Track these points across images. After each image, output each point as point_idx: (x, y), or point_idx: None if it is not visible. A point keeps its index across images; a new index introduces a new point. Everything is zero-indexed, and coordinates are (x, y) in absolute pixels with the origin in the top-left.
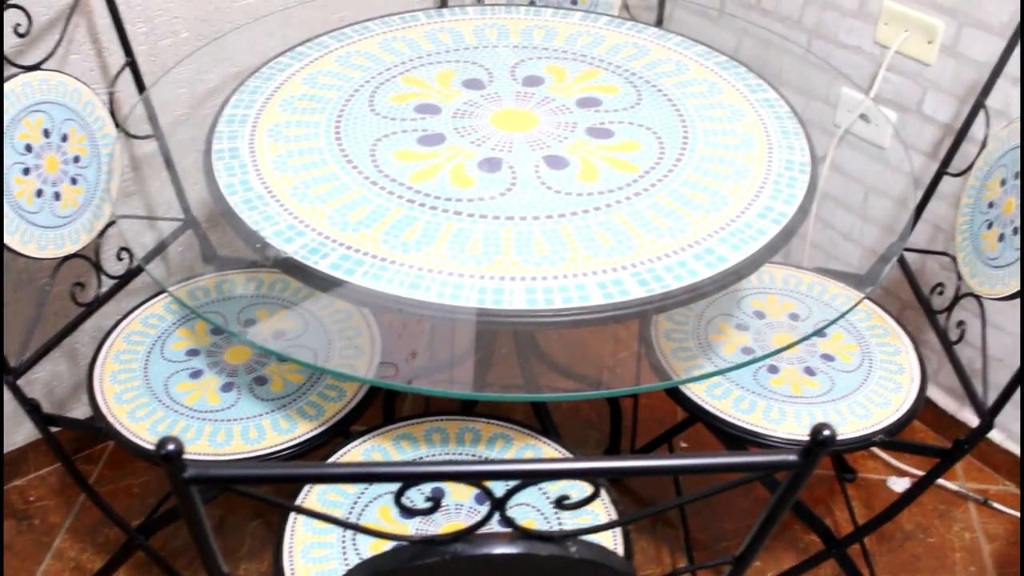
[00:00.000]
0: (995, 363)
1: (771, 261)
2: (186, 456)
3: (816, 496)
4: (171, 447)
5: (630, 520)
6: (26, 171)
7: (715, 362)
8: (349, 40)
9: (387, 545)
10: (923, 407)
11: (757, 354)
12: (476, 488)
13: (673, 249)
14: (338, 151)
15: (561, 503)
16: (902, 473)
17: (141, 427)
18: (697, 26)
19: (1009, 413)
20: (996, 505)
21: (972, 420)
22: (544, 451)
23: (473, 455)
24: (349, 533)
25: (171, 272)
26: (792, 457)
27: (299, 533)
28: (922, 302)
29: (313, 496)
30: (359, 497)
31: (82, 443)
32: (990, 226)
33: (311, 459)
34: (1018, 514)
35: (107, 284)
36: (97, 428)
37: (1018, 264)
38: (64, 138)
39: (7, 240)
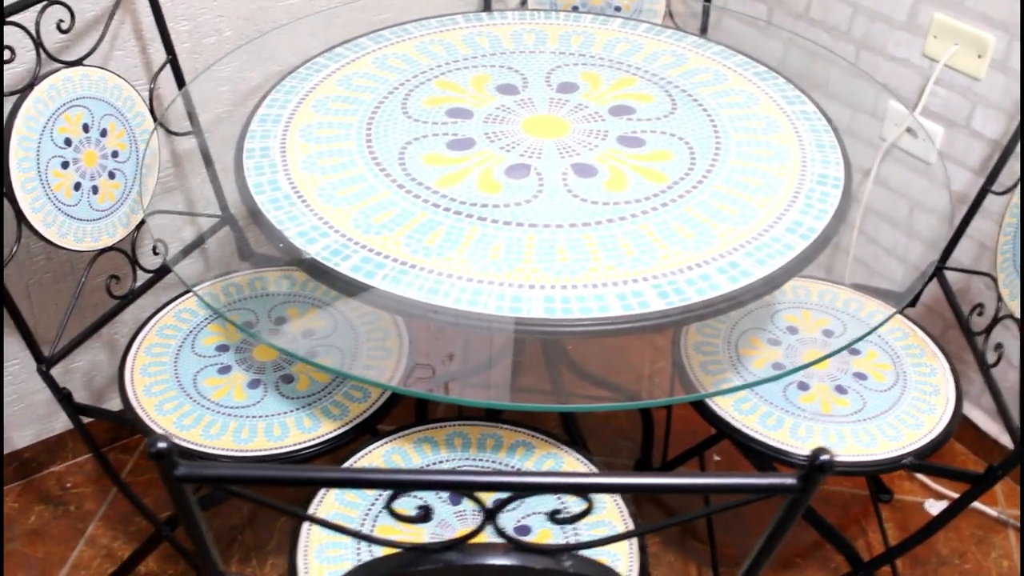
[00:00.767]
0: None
1: (807, 275)
2: (206, 449)
3: (851, 516)
4: (161, 445)
5: (622, 537)
6: (65, 164)
7: (744, 376)
8: (387, 42)
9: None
10: (964, 429)
11: (787, 369)
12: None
13: (697, 262)
14: (367, 153)
15: (554, 516)
16: (940, 496)
17: (168, 420)
18: (745, 35)
19: None
20: None
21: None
22: (565, 461)
23: (493, 461)
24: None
25: (209, 267)
26: (791, 481)
27: (315, 533)
28: (961, 322)
29: (331, 496)
30: (376, 499)
31: (119, 432)
32: None
33: (334, 458)
34: None
35: (143, 278)
36: (124, 420)
37: None
38: (103, 133)
39: (44, 232)
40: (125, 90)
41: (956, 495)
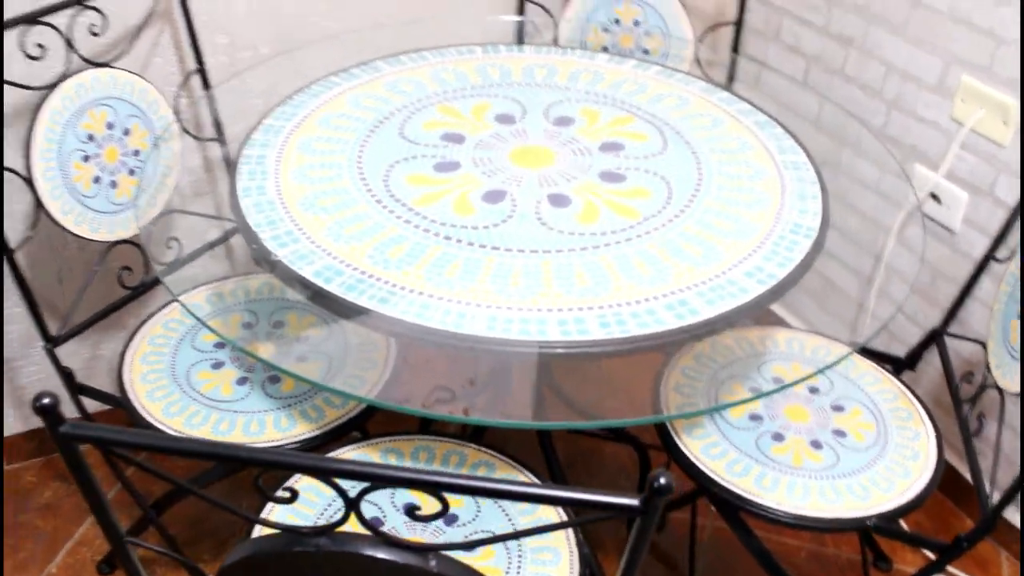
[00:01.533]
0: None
1: (805, 330)
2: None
3: None
4: (46, 401)
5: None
6: (85, 158)
7: (718, 424)
8: (402, 66)
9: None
10: (959, 490)
11: (765, 423)
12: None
13: (646, 296)
14: (356, 168)
15: (412, 512)
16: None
17: (156, 407)
18: (785, 89)
19: None
20: None
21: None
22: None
23: None
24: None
25: (234, 267)
26: (634, 502)
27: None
28: (951, 390)
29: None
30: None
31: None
32: (1020, 316)
33: None
34: None
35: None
36: (118, 402)
37: None
38: (127, 132)
39: (60, 219)
40: (151, 94)
41: (958, 572)
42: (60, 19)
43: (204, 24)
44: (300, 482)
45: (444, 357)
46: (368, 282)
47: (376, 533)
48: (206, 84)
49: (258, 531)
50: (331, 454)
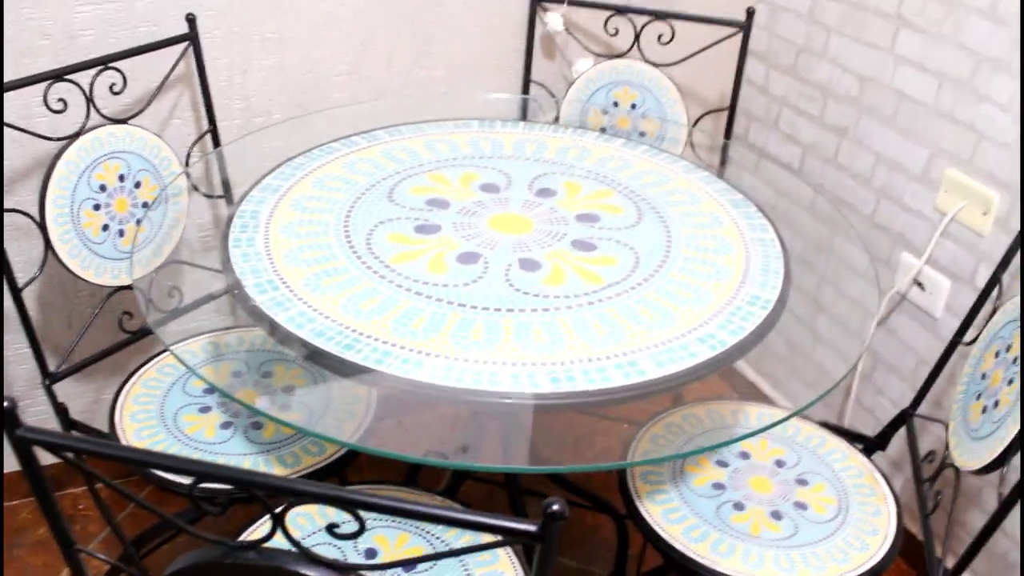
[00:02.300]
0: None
1: (778, 406)
2: None
3: None
4: (5, 404)
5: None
6: (96, 207)
7: (681, 490)
8: (400, 136)
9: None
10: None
11: (728, 492)
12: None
13: (598, 356)
14: (342, 227)
15: (331, 529)
16: None
17: (141, 444)
18: (782, 176)
19: None
20: None
21: None
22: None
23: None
24: None
25: (237, 321)
26: (532, 527)
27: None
28: (914, 468)
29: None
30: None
31: (132, 469)
32: (979, 397)
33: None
34: None
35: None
36: (104, 436)
37: (992, 439)
38: (137, 184)
39: (68, 262)
40: (164, 151)
41: None
42: (84, 77)
43: (221, 90)
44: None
45: (434, 419)
46: (335, 329)
47: (300, 549)
48: (217, 144)
49: None
50: None
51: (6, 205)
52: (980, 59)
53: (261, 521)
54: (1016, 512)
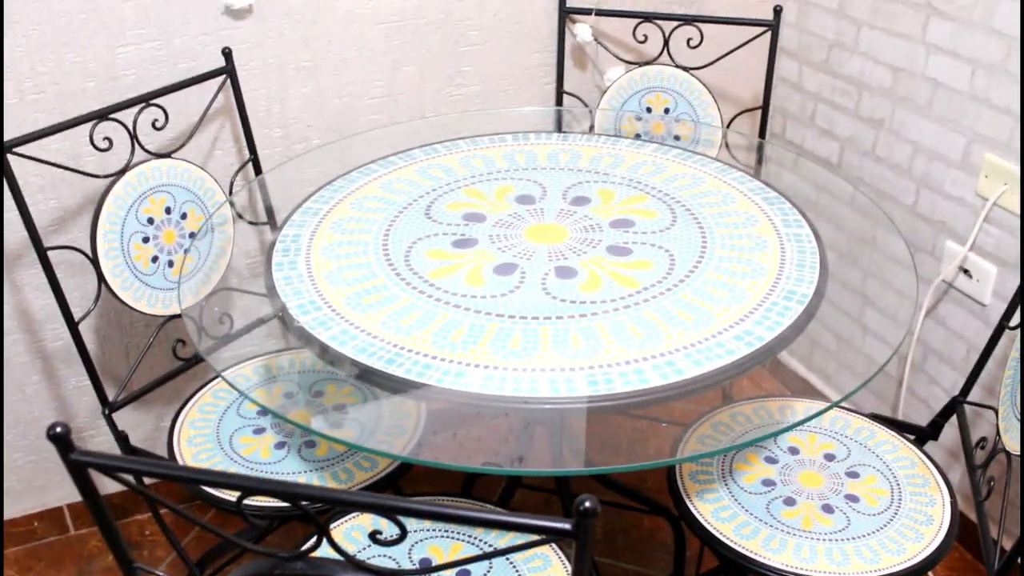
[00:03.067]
0: None
1: (823, 400)
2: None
3: None
4: (59, 429)
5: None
6: (145, 239)
7: (730, 488)
8: (436, 154)
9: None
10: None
11: (778, 488)
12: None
13: (635, 357)
14: (380, 245)
15: (374, 536)
16: None
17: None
18: (819, 174)
19: None
20: None
21: None
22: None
23: (456, 535)
24: None
25: (288, 343)
26: (567, 525)
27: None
28: (966, 455)
29: None
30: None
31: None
32: None
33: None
34: None
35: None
36: (161, 460)
37: None
38: (184, 216)
39: (121, 295)
40: (208, 182)
41: None
42: (127, 115)
43: (261, 120)
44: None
45: (487, 432)
46: (377, 344)
47: (347, 557)
48: (258, 172)
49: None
50: (353, 512)
51: (60, 243)
52: (1012, 42)
53: (315, 534)
54: None
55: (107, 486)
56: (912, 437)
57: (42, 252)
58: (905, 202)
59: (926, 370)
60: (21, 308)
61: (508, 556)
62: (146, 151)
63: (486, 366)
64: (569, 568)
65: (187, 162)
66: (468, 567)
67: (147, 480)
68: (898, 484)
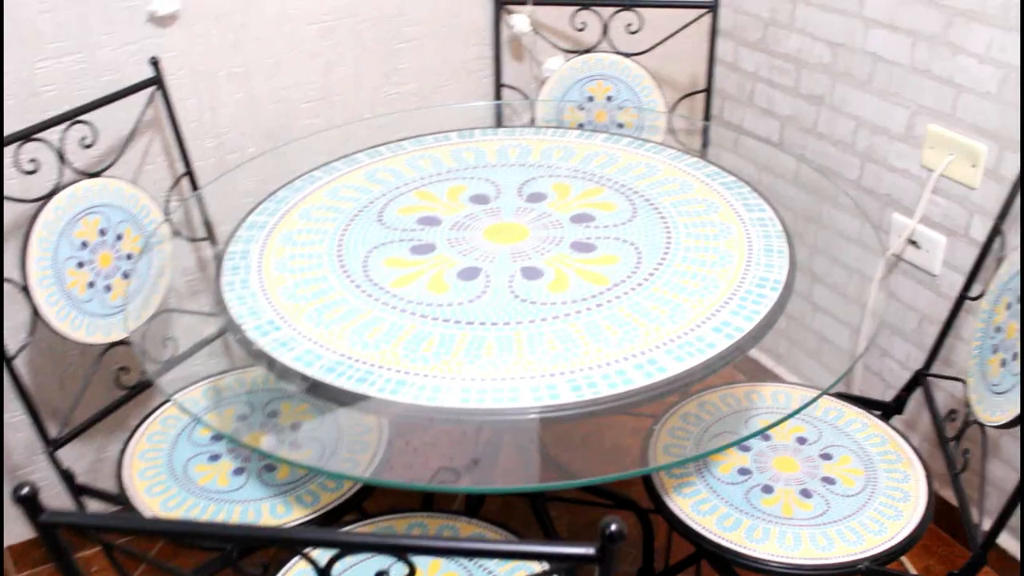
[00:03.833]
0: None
1: (788, 382)
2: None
3: None
4: (25, 491)
5: None
6: (80, 264)
7: (707, 479)
8: (381, 157)
9: None
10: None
11: (755, 476)
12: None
13: (615, 358)
14: (335, 256)
15: None
16: None
17: (155, 502)
18: (763, 150)
19: None
20: None
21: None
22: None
23: None
24: None
25: (234, 362)
26: (590, 551)
27: None
28: (937, 429)
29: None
30: None
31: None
32: (995, 351)
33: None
34: None
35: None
36: (118, 500)
37: (1015, 391)
38: (119, 237)
39: (56, 325)
40: (142, 199)
41: None
42: (53, 134)
43: (192, 131)
44: (298, 566)
45: (445, 439)
46: (347, 363)
47: None
48: (195, 186)
49: None
50: None
51: None
52: (952, 12)
53: (292, 563)
54: None
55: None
56: (878, 413)
57: None
58: (850, 176)
59: (878, 343)
60: None
61: None
62: (75, 171)
63: (463, 378)
64: None
65: (120, 180)
66: None
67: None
68: (872, 463)
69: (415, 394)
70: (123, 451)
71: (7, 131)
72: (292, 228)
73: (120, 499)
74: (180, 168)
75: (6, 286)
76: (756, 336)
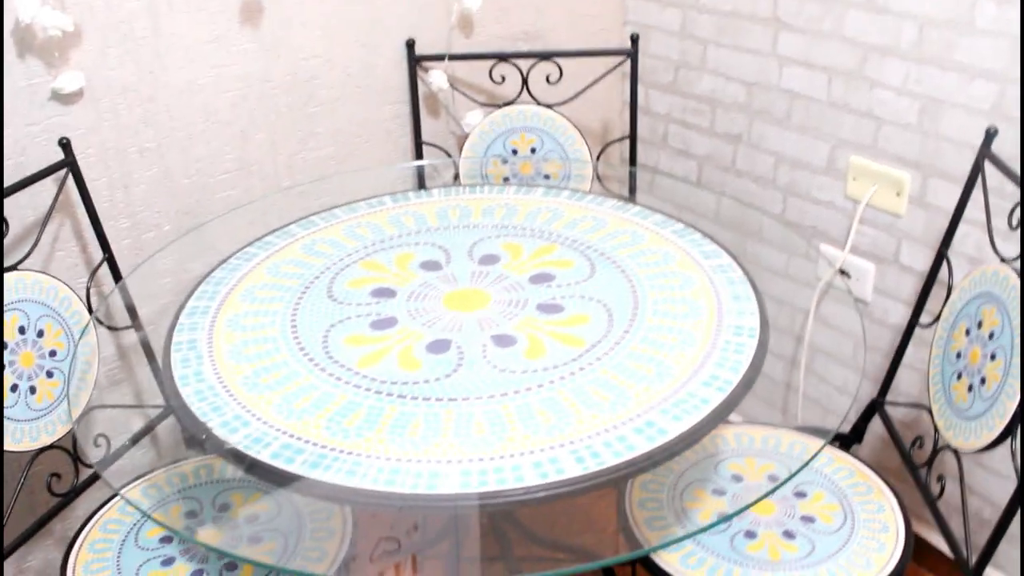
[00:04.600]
0: (988, 507)
1: (749, 422)
2: None
3: None
4: None
5: None
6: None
7: (689, 530)
8: (315, 228)
9: None
10: (927, 553)
11: (735, 522)
12: None
13: (613, 424)
14: (291, 339)
15: None
16: None
17: None
18: (681, 191)
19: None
20: None
21: None
22: None
23: None
24: None
25: (161, 455)
26: None
27: None
28: (904, 457)
29: None
30: None
31: None
32: (959, 376)
33: None
34: None
35: (86, 473)
36: None
37: (990, 415)
38: (40, 334)
39: None
40: (61, 290)
41: None
42: None
43: (104, 211)
44: None
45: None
46: (332, 455)
47: None
48: (115, 271)
49: None
50: None
51: None
52: (866, 48)
53: None
54: None
55: None
56: (836, 444)
57: None
58: (773, 211)
59: (815, 370)
60: None
61: None
62: None
63: (459, 460)
64: None
65: (36, 272)
66: None
67: None
68: (846, 497)
69: (412, 482)
70: (64, 565)
71: None
72: (238, 311)
73: None
74: (95, 252)
75: None
76: (746, 386)
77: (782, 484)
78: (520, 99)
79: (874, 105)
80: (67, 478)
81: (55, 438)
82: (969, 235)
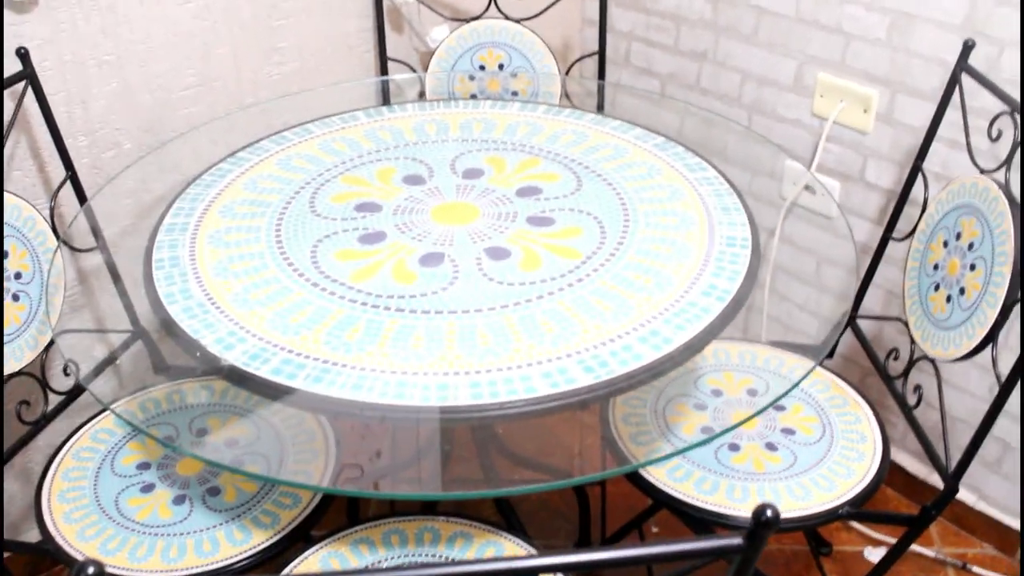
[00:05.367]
0: (960, 424)
1: (725, 337)
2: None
3: (792, 572)
4: (91, 570)
5: None
6: None
7: (674, 444)
8: (289, 143)
9: None
10: (893, 474)
11: (716, 432)
12: None
13: (618, 333)
14: (279, 254)
15: None
16: (877, 543)
17: (91, 546)
18: (640, 109)
19: (981, 475)
20: (975, 569)
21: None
22: (505, 547)
23: (433, 555)
24: None
25: (123, 384)
26: (737, 540)
27: None
28: (879, 369)
29: None
30: None
31: (40, 565)
32: (937, 288)
33: (269, 568)
34: None
35: (55, 401)
36: (45, 550)
37: (969, 324)
38: (4, 255)
39: None
40: (25, 210)
41: (893, 540)
42: None
43: (63, 128)
44: None
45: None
46: (336, 370)
47: None
48: (79, 191)
49: None
50: (302, 557)
51: None
52: None
53: None
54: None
55: None
56: (809, 357)
57: None
58: (737, 130)
59: (776, 288)
60: None
61: None
62: None
63: (466, 372)
64: None
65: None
66: None
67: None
68: (823, 409)
69: (422, 395)
70: (38, 494)
71: None
72: (218, 227)
73: (45, 548)
74: (53, 171)
75: None
76: (743, 296)
77: (775, 402)
78: (489, 14)
79: (843, 20)
80: (36, 406)
81: (23, 364)
82: (936, 152)
